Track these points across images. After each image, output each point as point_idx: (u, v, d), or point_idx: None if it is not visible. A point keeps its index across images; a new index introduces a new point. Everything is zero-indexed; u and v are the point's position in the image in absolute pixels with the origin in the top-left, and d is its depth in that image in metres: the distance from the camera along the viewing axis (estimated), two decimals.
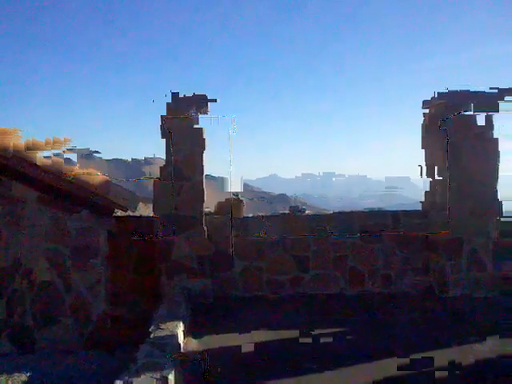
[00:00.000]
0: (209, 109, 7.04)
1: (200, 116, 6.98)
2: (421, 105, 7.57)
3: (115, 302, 6.84)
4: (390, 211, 7.56)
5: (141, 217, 7.32)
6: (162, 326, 5.27)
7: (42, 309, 5.46)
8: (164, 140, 6.88)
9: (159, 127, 6.90)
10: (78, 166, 5.53)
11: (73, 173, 5.30)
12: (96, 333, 5.56)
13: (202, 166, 6.95)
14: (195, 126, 6.90)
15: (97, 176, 5.49)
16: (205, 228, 6.96)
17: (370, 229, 7.41)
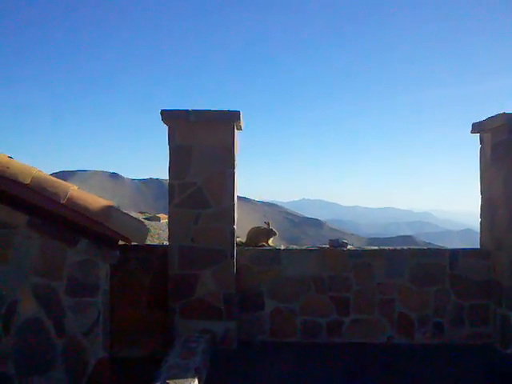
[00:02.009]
0: (243, 124, 6.13)
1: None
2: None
3: (120, 341, 5.98)
4: (446, 249, 6.44)
5: (155, 246, 6.41)
6: None
7: (27, 355, 4.46)
8: (170, 155, 5.98)
9: (168, 138, 5.99)
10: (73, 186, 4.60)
11: (66, 197, 4.34)
12: None
13: (233, 189, 6.00)
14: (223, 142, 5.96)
15: (97, 200, 4.53)
16: (234, 262, 5.98)
17: (423, 269, 6.32)
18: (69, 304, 4.56)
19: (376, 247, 6.53)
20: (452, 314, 6.33)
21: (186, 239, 5.92)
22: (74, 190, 4.49)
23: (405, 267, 6.33)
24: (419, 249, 6.52)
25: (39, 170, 4.57)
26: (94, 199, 4.58)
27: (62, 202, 4.30)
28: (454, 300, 6.34)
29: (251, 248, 6.39)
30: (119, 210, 4.83)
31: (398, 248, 6.44)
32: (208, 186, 5.93)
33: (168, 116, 5.88)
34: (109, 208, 4.54)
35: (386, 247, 6.51)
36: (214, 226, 5.93)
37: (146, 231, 4.87)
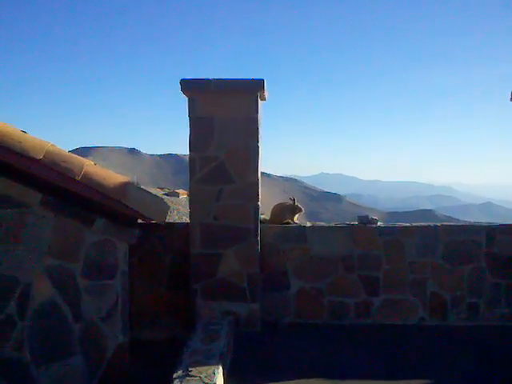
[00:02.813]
0: (267, 94, 5.79)
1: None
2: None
3: (140, 323, 5.77)
4: (483, 226, 6.05)
5: (175, 224, 6.14)
6: (193, 372, 4.01)
7: (43, 341, 4.23)
8: (190, 127, 5.67)
9: (188, 110, 5.65)
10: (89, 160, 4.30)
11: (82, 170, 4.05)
12: (110, 374, 4.33)
13: (257, 163, 5.66)
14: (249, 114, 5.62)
15: (113, 176, 4.24)
16: (258, 241, 5.68)
17: (457, 246, 5.97)
18: (86, 287, 4.30)
19: (408, 224, 6.18)
20: (488, 294, 5.99)
21: (207, 217, 5.64)
22: (89, 165, 4.20)
23: (438, 245, 5.99)
24: (453, 225, 6.16)
25: (53, 145, 4.29)
26: (111, 175, 4.28)
27: (76, 178, 4.01)
28: (490, 279, 5.99)
29: (276, 225, 6.08)
30: (137, 186, 4.54)
31: (431, 224, 6.09)
32: (231, 160, 5.62)
33: (188, 86, 5.55)
34: (126, 184, 4.24)
35: (419, 223, 6.17)
36: (237, 202, 5.63)
37: (165, 208, 4.58)
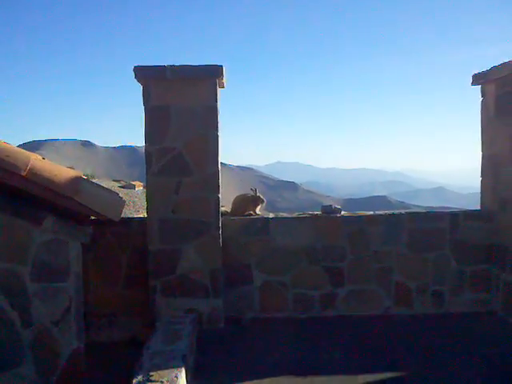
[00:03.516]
0: (226, 81, 5.56)
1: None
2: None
3: (96, 324, 5.52)
4: (447, 212, 6.00)
5: (132, 219, 5.85)
6: (154, 376, 3.76)
7: None
8: (146, 118, 5.38)
9: (142, 99, 5.36)
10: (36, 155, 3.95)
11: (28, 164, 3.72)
12: (65, 382, 4.03)
13: (217, 153, 5.42)
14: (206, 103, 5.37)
15: (64, 171, 3.93)
16: (220, 234, 5.45)
17: (422, 234, 5.90)
18: (35, 290, 3.96)
19: (371, 212, 6.07)
20: (452, 281, 5.97)
21: (166, 211, 5.38)
22: (36, 159, 3.87)
23: (402, 233, 5.91)
24: (417, 213, 6.09)
25: None
26: (61, 170, 3.96)
27: (22, 173, 3.68)
28: (454, 266, 5.96)
29: (237, 218, 5.87)
30: (90, 181, 4.23)
31: (396, 212, 6.00)
32: (189, 151, 5.36)
33: (142, 73, 5.26)
34: (78, 180, 3.93)
35: (383, 212, 6.07)
36: (196, 195, 5.39)
37: (120, 204, 4.29)
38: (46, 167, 3.86)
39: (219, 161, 5.46)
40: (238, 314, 5.73)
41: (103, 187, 4.39)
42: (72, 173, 4.02)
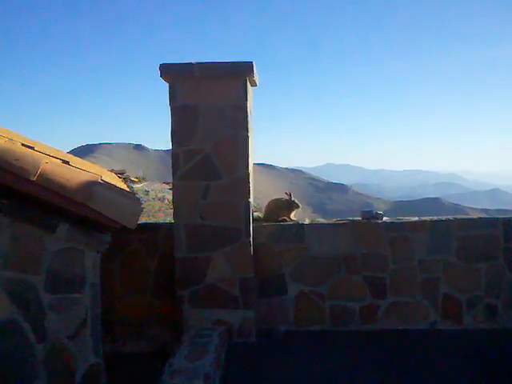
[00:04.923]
0: (257, 79, 5.25)
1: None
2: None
3: (124, 334, 5.34)
4: (500, 218, 5.48)
5: (160, 225, 5.60)
6: None
7: (1, 365, 3.70)
8: (172, 118, 5.11)
9: (168, 98, 5.10)
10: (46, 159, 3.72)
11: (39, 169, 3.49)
12: None
13: (248, 155, 5.09)
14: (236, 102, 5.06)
15: (78, 175, 3.68)
16: (251, 241, 5.13)
17: (473, 242, 5.40)
18: (50, 302, 3.73)
19: (416, 218, 5.62)
20: (507, 294, 5.43)
21: (193, 216, 5.09)
22: (48, 163, 3.64)
23: (451, 241, 5.42)
24: (467, 219, 5.59)
25: (9, 140, 3.75)
26: (74, 174, 3.73)
27: (31, 178, 3.46)
28: (509, 277, 5.42)
29: (271, 224, 5.53)
30: (107, 186, 3.97)
31: (443, 218, 5.52)
32: (218, 153, 5.05)
33: (168, 71, 4.99)
34: (92, 184, 3.68)
35: (428, 218, 5.60)
36: (226, 199, 5.08)
37: (137, 211, 4.02)
38: (58, 171, 3.63)
39: (251, 163, 5.14)
40: (272, 326, 5.37)
41: (124, 192, 4.14)
42: (88, 177, 3.78)
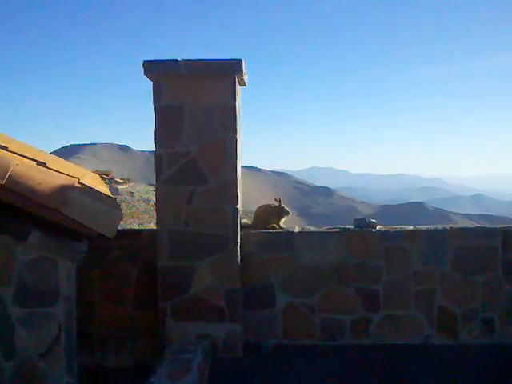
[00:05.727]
0: (246, 78, 4.98)
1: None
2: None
3: (103, 347, 5.06)
4: (498, 228, 5.25)
5: (141, 232, 5.31)
6: None
7: None
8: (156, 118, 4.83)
9: (152, 97, 4.82)
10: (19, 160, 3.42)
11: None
12: None
13: (236, 159, 4.83)
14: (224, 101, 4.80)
15: (52, 178, 3.38)
16: (238, 250, 4.85)
17: (470, 253, 5.17)
18: (19, 316, 3.44)
19: (411, 227, 5.38)
20: (505, 308, 5.20)
21: (177, 223, 4.80)
22: (20, 165, 3.34)
23: (447, 251, 5.19)
24: (464, 228, 5.37)
25: None
26: (48, 177, 3.43)
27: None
28: (507, 290, 5.20)
29: (259, 231, 5.25)
30: (82, 190, 3.67)
31: (439, 227, 5.29)
32: (204, 156, 4.78)
33: (152, 68, 4.71)
34: (66, 188, 3.39)
35: (424, 227, 5.37)
36: (212, 205, 4.81)
37: (117, 218, 3.71)
38: (30, 174, 3.33)
39: (238, 167, 4.87)
40: (259, 340, 5.10)
41: (103, 197, 3.85)
42: (62, 180, 3.48)
